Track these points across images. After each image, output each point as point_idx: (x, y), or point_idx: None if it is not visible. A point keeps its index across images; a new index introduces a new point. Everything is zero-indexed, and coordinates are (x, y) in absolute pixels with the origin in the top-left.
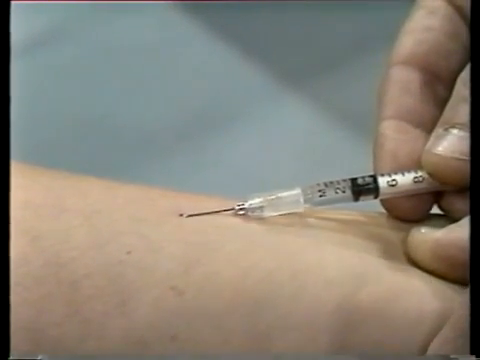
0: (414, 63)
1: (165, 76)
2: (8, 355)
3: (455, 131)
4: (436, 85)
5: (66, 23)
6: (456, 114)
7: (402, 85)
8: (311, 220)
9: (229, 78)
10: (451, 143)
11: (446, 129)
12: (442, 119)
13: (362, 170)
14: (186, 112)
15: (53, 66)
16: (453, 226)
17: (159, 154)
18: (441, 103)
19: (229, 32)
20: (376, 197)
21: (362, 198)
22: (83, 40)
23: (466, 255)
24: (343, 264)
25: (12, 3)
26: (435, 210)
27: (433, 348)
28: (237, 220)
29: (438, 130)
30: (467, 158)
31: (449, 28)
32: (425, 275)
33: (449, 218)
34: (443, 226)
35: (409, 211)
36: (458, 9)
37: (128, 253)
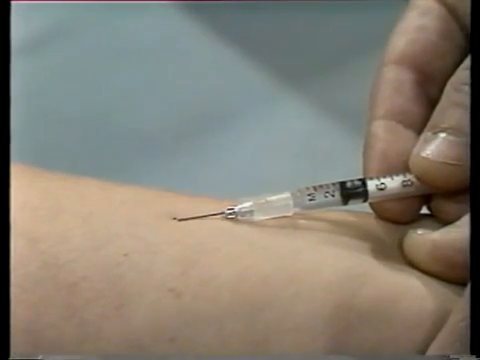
0: (406, 63)
1: (165, 76)
2: (8, 356)
3: (443, 135)
4: (428, 85)
5: (66, 23)
6: (445, 118)
7: (394, 85)
8: (303, 222)
9: (229, 78)
10: (439, 147)
11: (434, 133)
12: (430, 123)
13: (361, 170)
14: (186, 112)
15: (53, 66)
16: (450, 227)
17: (158, 154)
18: (433, 104)
19: (229, 32)
20: (365, 201)
21: (351, 202)
22: (83, 40)
23: (463, 256)
24: (340, 265)
25: (12, 3)
26: (425, 210)
27: (432, 351)
28: (235, 222)
29: (426, 134)
30: (454, 162)
31: (442, 28)
32: (423, 276)
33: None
34: (434, 227)
35: (398, 214)
36: (451, 10)
37: (125, 255)
